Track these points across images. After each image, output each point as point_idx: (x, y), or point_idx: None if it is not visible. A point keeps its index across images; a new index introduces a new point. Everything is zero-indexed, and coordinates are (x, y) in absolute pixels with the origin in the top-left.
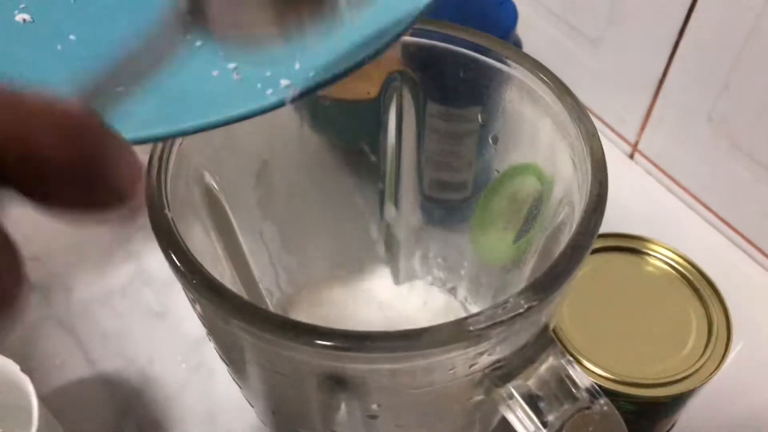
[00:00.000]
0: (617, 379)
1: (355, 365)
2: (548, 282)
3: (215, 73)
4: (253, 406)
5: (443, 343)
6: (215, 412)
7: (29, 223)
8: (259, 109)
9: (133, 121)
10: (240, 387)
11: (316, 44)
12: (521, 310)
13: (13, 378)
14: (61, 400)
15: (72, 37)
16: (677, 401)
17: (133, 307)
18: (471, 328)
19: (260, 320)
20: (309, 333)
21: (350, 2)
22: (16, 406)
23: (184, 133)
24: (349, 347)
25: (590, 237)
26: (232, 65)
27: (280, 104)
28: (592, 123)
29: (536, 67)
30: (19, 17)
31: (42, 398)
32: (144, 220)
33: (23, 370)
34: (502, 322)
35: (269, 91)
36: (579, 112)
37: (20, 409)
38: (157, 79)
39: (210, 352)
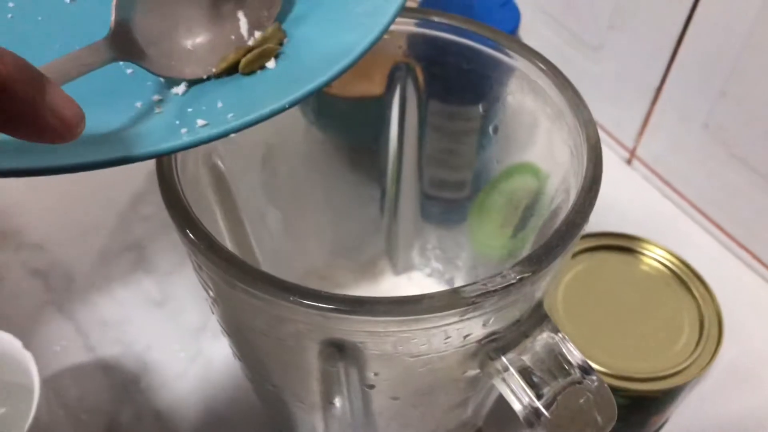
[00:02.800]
0: (611, 373)
1: (354, 329)
2: (542, 255)
3: (138, 104)
4: (252, 383)
5: (439, 309)
6: (212, 401)
7: (33, 211)
8: (167, 148)
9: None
10: (240, 360)
11: (240, 88)
12: (513, 281)
13: (16, 354)
14: (60, 385)
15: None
16: (669, 396)
17: (134, 296)
18: (466, 295)
19: (264, 283)
20: (312, 296)
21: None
22: (17, 384)
23: (90, 166)
24: (349, 310)
25: (584, 215)
26: (156, 97)
27: (189, 145)
28: (588, 111)
29: (537, 59)
30: None
31: (41, 383)
32: (147, 210)
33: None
34: (494, 291)
35: (184, 131)
36: (577, 100)
37: (21, 387)
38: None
39: (208, 341)
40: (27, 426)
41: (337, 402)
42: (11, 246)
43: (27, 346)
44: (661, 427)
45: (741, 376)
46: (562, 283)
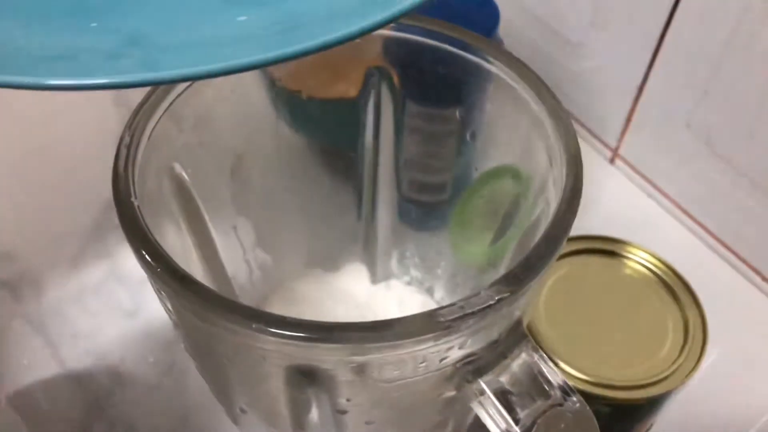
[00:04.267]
0: (593, 380)
1: (323, 357)
2: (520, 274)
3: None
4: (221, 404)
5: (414, 334)
6: (187, 413)
7: (0, 219)
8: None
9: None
10: (208, 384)
11: None
12: (492, 302)
13: None
14: (30, 400)
15: None
16: (653, 403)
17: (106, 307)
18: (442, 319)
19: (226, 310)
20: (275, 323)
21: None
22: None
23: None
24: (316, 338)
25: (564, 230)
26: None
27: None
28: (569, 121)
29: (515, 64)
30: None
31: (10, 398)
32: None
33: None
34: (473, 314)
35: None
36: (556, 107)
37: None
38: None
39: (182, 352)
40: None
41: (310, 427)
42: None
43: None
44: None
45: (726, 380)
46: (544, 288)
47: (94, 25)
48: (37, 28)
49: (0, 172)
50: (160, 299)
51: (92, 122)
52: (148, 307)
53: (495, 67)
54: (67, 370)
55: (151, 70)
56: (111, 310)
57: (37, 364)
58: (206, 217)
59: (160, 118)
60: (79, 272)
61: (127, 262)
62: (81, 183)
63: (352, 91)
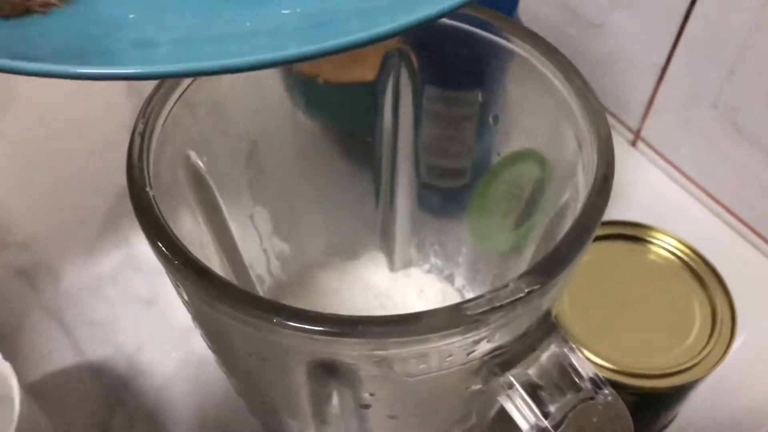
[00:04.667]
0: (618, 369)
1: (346, 352)
2: (551, 265)
3: None
4: (242, 397)
5: (440, 328)
6: (206, 402)
7: (17, 209)
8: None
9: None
10: (228, 377)
11: None
12: (521, 294)
13: None
14: (49, 389)
15: None
16: (680, 392)
17: (123, 295)
18: (469, 312)
19: (246, 304)
20: (297, 317)
21: None
22: None
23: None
24: (339, 332)
25: (595, 219)
26: None
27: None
28: (598, 101)
29: (539, 43)
30: None
31: (29, 388)
32: None
33: (5, 357)
34: (501, 307)
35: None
36: (585, 89)
37: (1, 397)
38: None
39: (200, 340)
40: None
41: (331, 420)
42: None
43: (12, 349)
44: (669, 423)
45: (755, 368)
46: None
47: (132, 16)
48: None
49: (15, 162)
50: (177, 291)
51: (106, 111)
52: (166, 296)
53: (518, 47)
54: (85, 359)
55: (185, 61)
56: (128, 299)
57: (56, 353)
58: (222, 206)
59: (174, 105)
60: (95, 261)
61: (144, 250)
62: (96, 172)
63: (369, 75)
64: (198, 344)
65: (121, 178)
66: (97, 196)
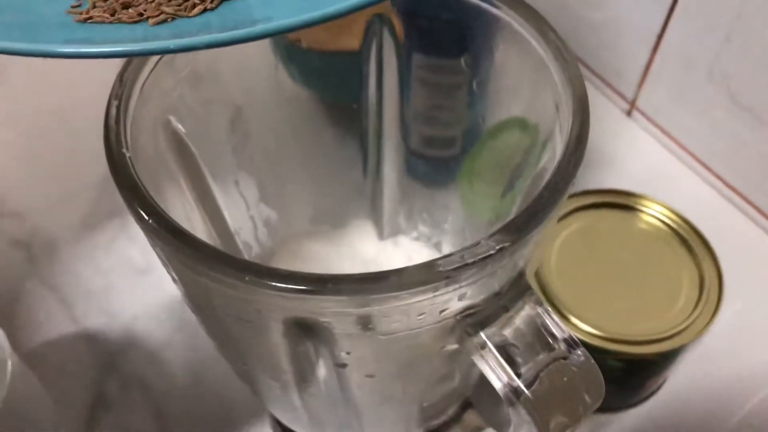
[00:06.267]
0: (606, 336)
1: (318, 310)
2: (522, 224)
3: None
4: (225, 360)
5: (411, 285)
6: (199, 370)
7: (11, 178)
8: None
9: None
10: (212, 340)
11: None
12: (492, 252)
13: None
14: (45, 357)
15: None
16: (666, 358)
17: (118, 264)
18: (441, 269)
19: (219, 263)
20: (269, 275)
21: None
22: None
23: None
24: (310, 290)
25: (568, 179)
26: None
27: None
28: (575, 63)
29: (519, 6)
30: None
31: (25, 356)
32: None
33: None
34: (473, 264)
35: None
36: (562, 51)
37: None
38: None
39: None
40: None
41: (311, 380)
42: None
43: (8, 318)
44: (658, 389)
45: (743, 335)
46: (556, 242)
47: None
48: None
49: (11, 132)
50: (156, 253)
51: (102, 83)
52: (160, 265)
53: (500, 11)
54: (81, 327)
55: (175, 37)
56: (123, 268)
57: (52, 322)
58: (206, 173)
59: (153, 68)
60: (90, 230)
61: None
62: (91, 142)
63: (353, 42)
64: (191, 313)
65: None
66: (92, 166)
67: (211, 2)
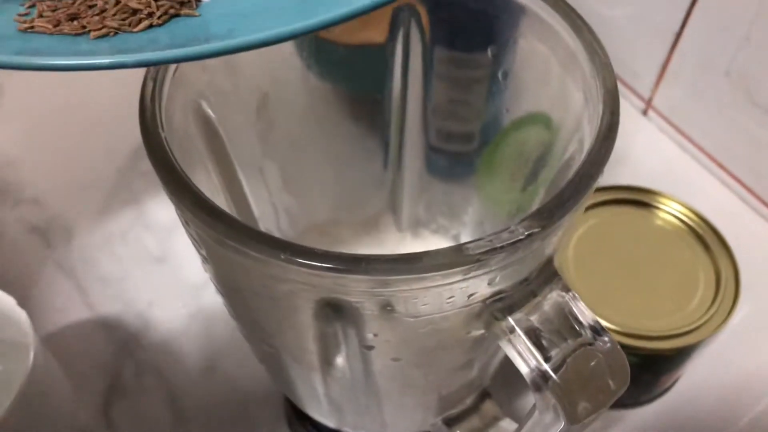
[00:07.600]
0: (621, 331)
1: (350, 289)
2: (552, 210)
3: None
4: (249, 342)
5: (441, 267)
6: (214, 358)
7: (30, 166)
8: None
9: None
10: (235, 320)
11: None
12: (521, 237)
13: (10, 312)
14: (60, 343)
15: None
16: (681, 355)
17: (134, 252)
18: (470, 252)
19: (255, 241)
20: (304, 254)
21: None
22: (12, 342)
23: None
24: (344, 269)
25: (599, 166)
26: None
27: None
28: (605, 53)
29: None
30: None
31: (42, 340)
32: (147, 165)
33: (21, 306)
34: (502, 248)
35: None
36: (593, 43)
37: (16, 345)
38: None
39: (210, 297)
40: (21, 383)
41: (336, 363)
42: (8, 202)
43: (26, 303)
44: (672, 385)
45: (758, 333)
46: (574, 238)
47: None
48: None
49: (29, 120)
50: (188, 232)
51: (120, 72)
52: (176, 254)
53: (528, 1)
54: (97, 314)
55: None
56: (139, 256)
57: (68, 308)
58: (233, 157)
59: None
60: (107, 219)
61: (154, 209)
62: (109, 131)
63: (378, 35)
64: (207, 300)
65: (134, 138)
66: (110, 154)
67: (159, 18)
